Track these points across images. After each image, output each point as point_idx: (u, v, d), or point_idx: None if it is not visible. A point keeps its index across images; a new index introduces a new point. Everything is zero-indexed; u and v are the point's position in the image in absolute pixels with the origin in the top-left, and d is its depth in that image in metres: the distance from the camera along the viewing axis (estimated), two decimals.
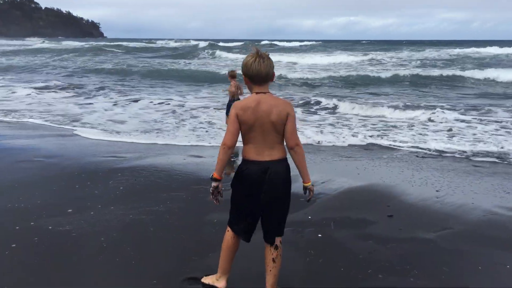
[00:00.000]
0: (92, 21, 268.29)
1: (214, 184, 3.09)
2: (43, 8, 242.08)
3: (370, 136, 9.59)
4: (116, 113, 12.46)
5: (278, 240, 3.18)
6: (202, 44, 59.90)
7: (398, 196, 5.47)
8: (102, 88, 18.75)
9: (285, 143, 3.04)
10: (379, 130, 10.41)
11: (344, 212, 4.95)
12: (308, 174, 3.16)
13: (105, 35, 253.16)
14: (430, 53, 42.23)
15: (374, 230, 4.45)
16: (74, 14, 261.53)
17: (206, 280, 3.39)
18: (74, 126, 10.27)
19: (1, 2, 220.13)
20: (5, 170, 6.22)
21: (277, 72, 19.25)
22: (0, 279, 3.38)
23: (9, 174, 5.99)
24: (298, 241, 4.19)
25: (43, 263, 3.62)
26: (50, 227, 4.28)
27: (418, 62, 32.76)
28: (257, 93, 2.99)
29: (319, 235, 4.31)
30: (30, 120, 11.08)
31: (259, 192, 3.00)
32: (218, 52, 43.27)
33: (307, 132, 9.94)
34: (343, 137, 9.48)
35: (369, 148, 8.59)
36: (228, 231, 3.26)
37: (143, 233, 4.24)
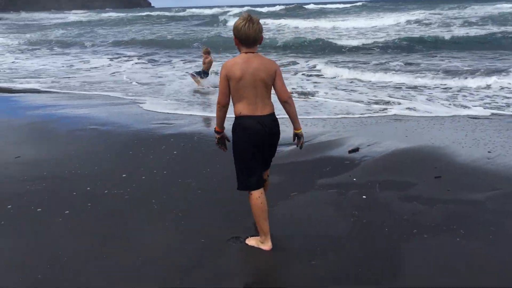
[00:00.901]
0: None
1: (217, 136, 3.53)
2: None
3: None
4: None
5: (265, 174, 3.64)
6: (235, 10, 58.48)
7: (446, 158, 5.37)
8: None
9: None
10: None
11: (390, 174, 4.92)
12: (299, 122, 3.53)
13: (152, 4, 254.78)
14: (478, 9, 38.12)
15: (420, 192, 4.42)
16: None
17: (251, 242, 3.55)
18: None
19: None
20: (63, 138, 6.57)
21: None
22: (55, 243, 3.62)
23: (66, 142, 6.33)
24: (342, 202, 4.24)
25: (98, 227, 3.85)
26: (105, 191, 4.53)
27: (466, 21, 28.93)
28: (246, 52, 3.25)
29: (364, 197, 4.33)
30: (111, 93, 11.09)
31: (259, 143, 3.31)
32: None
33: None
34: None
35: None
36: (250, 194, 3.41)
37: (191, 195, 4.42)
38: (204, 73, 11.47)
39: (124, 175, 4.91)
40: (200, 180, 4.80)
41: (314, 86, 11.28)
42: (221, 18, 42.40)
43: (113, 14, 68.14)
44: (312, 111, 8.39)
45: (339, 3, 75.40)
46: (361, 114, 7.97)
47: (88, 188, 4.59)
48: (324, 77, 12.69)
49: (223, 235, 3.69)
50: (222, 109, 3.33)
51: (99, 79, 13.44)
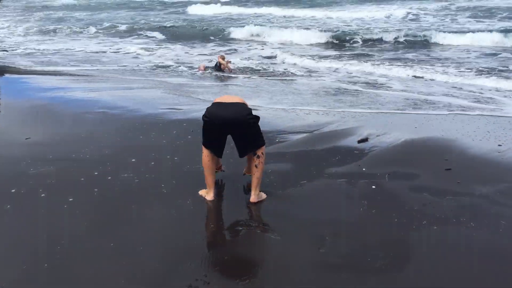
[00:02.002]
0: None
1: None
2: None
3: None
4: None
5: (260, 151, 3.95)
6: None
7: (457, 150, 5.34)
8: None
9: None
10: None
11: (400, 164, 4.90)
12: None
13: None
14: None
15: (430, 183, 4.40)
16: None
17: (200, 192, 4.12)
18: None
19: None
20: (72, 121, 6.57)
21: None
22: (58, 228, 3.64)
23: (75, 125, 6.33)
24: (351, 192, 4.24)
25: (103, 212, 3.85)
26: (114, 176, 4.53)
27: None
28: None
29: (373, 187, 4.32)
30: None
31: (220, 127, 3.84)
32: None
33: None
34: None
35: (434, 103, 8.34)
36: (203, 151, 3.99)
37: (201, 181, 4.42)
38: (216, 69, 12.33)
39: (133, 160, 4.91)
40: None
41: None
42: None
43: None
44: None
45: None
46: None
47: (96, 173, 4.57)
48: None
49: (233, 220, 3.71)
50: None
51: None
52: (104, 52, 16.32)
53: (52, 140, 5.61)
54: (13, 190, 4.15)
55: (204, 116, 3.86)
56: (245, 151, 4.00)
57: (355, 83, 10.40)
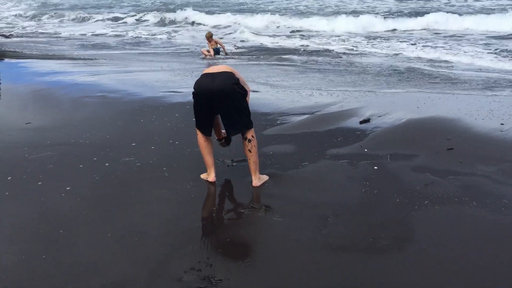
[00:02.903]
0: None
1: None
2: None
3: None
4: None
5: (249, 135, 3.93)
6: None
7: (459, 129, 5.30)
8: None
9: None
10: None
11: (402, 145, 4.88)
12: None
13: None
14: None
15: (432, 163, 4.38)
16: None
17: (202, 176, 4.14)
18: None
19: None
20: (71, 105, 6.55)
21: None
22: (56, 215, 3.64)
23: (75, 109, 6.31)
24: (353, 173, 4.22)
25: (103, 197, 3.85)
26: (111, 161, 4.52)
27: None
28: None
29: (375, 168, 4.31)
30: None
31: (208, 99, 3.75)
32: None
33: None
34: None
35: (435, 81, 8.28)
36: (197, 134, 4.01)
37: (201, 163, 4.40)
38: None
39: (134, 144, 4.89)
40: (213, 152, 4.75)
41: None
42: None
43: None
44: None
45: None
46: None
47: (96, 157, 4.55)
48: None
49: (235, 202, 3.70)
50: None
51: None
52: None
53: (52, 124, 5.59)
54: (11, 177, 4.14)
55: (193, 89, 3.84)
56: (234, 127, 3.90)
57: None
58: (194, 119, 3.99)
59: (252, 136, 3.94)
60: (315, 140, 5.03)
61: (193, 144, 4.81)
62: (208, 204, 3.74)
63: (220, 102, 3.75)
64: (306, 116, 5.86)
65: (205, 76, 3.80)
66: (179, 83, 7.97)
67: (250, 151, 3.92)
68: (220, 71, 3.82)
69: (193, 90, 3.83)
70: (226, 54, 12.61)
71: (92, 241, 3.17)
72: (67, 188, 3.91)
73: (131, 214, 3.52)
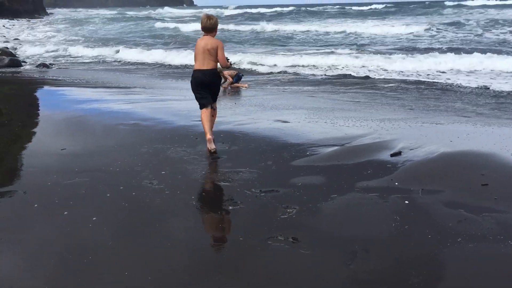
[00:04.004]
0: None
1: None
2: None
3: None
4: None
5: (215, 105, 6.08)
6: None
7: (494, 165, 5.15)
8: None
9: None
10: None
11: (434, 179, 4.77)
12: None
13: (195, 3, 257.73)
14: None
15: (466, 199, 4.26)
16: None
17: (208, 146, 5.63)
18: None
19: None
20: (105, 132, 6.71)
21: None
22: (89, 239, 3.69)
23: (108, 136, 6.46)
24: (383, 207, 4.14)
25: (133, 223, 3.90)
26: (141, 188, 4.58)
27: None
28: (204, 35, 5.83)
29: (406, 202, 4.21)
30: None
31: (202, 85, 5.80)
32: None
33: None
34: None
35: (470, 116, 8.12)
36: (201, 112, 5.82)
37: (230, 195, 4.41)
38: (235, 78, 12.27)
39: (163, 172, 4.95)
40: (241, 180, 4.77)
41: None
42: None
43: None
44: None
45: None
46: None
47: (126, 184, 4.63)
48: None
49: (262, 233, 3.67)
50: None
51: None
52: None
53: (86, 151, 5.72)
54: (41, 202, 4.24)
55: (191, 78, 5.90)
56: (213, 99, 5.97)
57: None
58: (197, 102, 5.86)
59: (216, 107, 6.12)
60: (344, 172, 4.98)
61: (220, 174, 4.86)
62: (234, 234, 3.72)
63: (208, 86, 5.82)
64: (335, 147, 5.82)
65: (198, 71, 5.78)
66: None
67: (213, 116, 6.01)
68: (207, 68, 5.73)
69: (192, 79, 5.86)
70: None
71: (116, 266, 3.19)
72: (95, 216, 3.96)
73: (157, 243, 3.53)
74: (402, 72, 14.79)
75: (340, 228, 3.78)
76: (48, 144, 6.18)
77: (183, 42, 27.96)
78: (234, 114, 8.16)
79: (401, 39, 26.00)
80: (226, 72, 12.36)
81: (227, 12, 68.75)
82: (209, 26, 5.80)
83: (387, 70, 15.35)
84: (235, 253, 3.43)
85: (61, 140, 6.20)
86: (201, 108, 5.80)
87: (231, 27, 36.23)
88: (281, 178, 4.80)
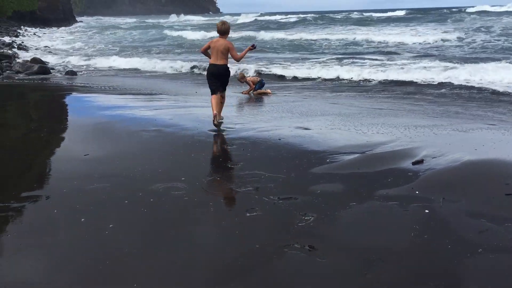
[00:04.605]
0: None
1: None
2: None
3: None
4: None
5: (223, 94, 7.65)
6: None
7: None
8: None
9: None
10: None
11: (456, 188, 4.67)
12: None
13: (221, 10, 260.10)
14: None
15: (488, 209, 4.15)
16: None
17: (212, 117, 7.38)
18: None
19: None
20: (127, 138, 6.80)
21: None
22: (102, 248, 3.74)
23: (131, 142, 6.55)
24: (403, 215, 4.08)
25: (153, 230, 3.94)
26: (160, 194, 4.62)
27: None
28: (219, 37, 7.42)
29: (426, 211, 4.14)
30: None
31: (214, 76, 7.52)
32: None
33: None
34: None
35: (496, 124, 7.94)
36: (211, 97, 7.50)
37: (248, 202, 4.41)
38: (258, 85, 12.36)
39: (183, 178, 4.99)
40: (260, 187, 4.77)
41: None
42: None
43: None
44: None
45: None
46: None
47: (146, 190, 4.68)
48: None
49: (278, 241, 3.66)
50: (202, 51, 7.81)
51: None
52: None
53: (108, 157, 5.82)
54: (69, 206, 4.32)
55: (207, 71, 7.78)
56: (222, 88, 7.63)
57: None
58: (209, 88, 7.63)
59: (224, 95, 7.78)
60: (364, 180, 4.93)
61: (239, 180, 4.87)
62: (252, 241, 3.71)
63: (219, 79, 7.56)
64: (356, 155, 5.77)
65: (213, 66, 7.49)
66: (231, 119, 8.11)
67: (222, 103, 7.67)
68: (220, 63, 7.44)
69: (207, 72, 7.74)
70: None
71: (136, 275, 3.22)
72: (113, 222, 4.02)
73: (176, 249, 3.56)
74: (427, 78, 14.54)
75: (358, 236, 3.74)
76: (72, 149, 6.30)
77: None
78: (256, 121, 8.18)
79: (428, 46, 25.60)
80: (249, 78, 12.53)
81: (247, 19, 69.63)
82: (223, 30, 7.42)
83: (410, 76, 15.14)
84: (251, 261, 3.43)
85: (85, 146, 6.32)
86: (212, 94, 7.49)
87: (253, 34, 36.40)
88: (300, 186, 4.79)
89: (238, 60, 7.57)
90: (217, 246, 3.64)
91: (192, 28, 50.81)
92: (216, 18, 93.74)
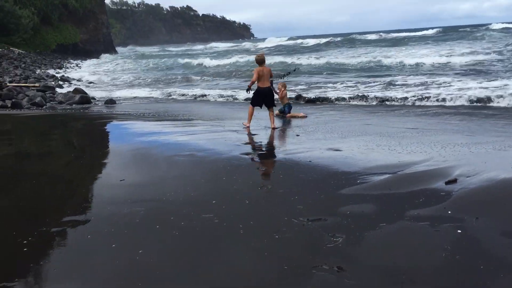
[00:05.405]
0: (244, 24, 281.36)
1: (248, 86, 10.63)
2: (200, 15, 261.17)
3: None
4: None
5: (272, 108, 10.27)
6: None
7: None
8: None
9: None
10: None
11: (491, 208, 4.57)
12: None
13: (255, 36, 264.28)
14: None
15: None
16: (228, 18, 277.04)
17: (245, 124, 10.20)
18: None
19: (165, 12, 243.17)
20: (161, 163, 6.99)
21: None
22: (146, 269, 3.84)
23: (164, 167, 6.73)
24: (434, 235, 4.01)
25: (185, 252, 4.03)
26: (192, 217, 4.72)
27: None
28: (261, 66, 10.03)
29: (459, 231, 4.07)
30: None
31: (265, 97, 10.16)
32: None
33: None
34: None
35: None
36: (250, 106, 10.31)
37: (277, 224, 4.45)
38: (287, 107, 12.68)
39: (214, 201, 5.09)
40: (289, 209, 4.81)
41: None
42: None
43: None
44: None
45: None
46: None
47: (179, 213, 4.79)
48: None
49: (306, 262, 3.68)
50: (254, 82, 10.16)
51: None
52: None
53: (143, 182, 6.00)
54: (105, 230, 4.47)
55: (255, 91, 10.22)
56: (269, 105, 10.15)
57: None
58: (252, 101, 10.30)
59: (273, 109, 10.34)
60: (394, 201, 4.88)
61: (269, 202, 4.93)
62: (281, 262, 3.74)
63: (265, 97, 10.11)
64: (387, 175, 5.73)
65: (261, 88, 10.07)
66: (263, 142, 8.22)
67: (273, 115, 10.23)
68: (267, 86, 10.15)
69: (257, 91, 10.18)
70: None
71: None
72: (147, 245, 4.13)
73: (206, 272, 3.62)
74: (464, 96, 14.23)
75: (387, 257, 3.70)
76: (110, 175, 6.53)
77: (242, 75, 28.56)
78: (287, 143, 8.25)
79: (470, 64, 24.91)
80: (280, 85, 13.21)
81: (270, 44, 71.24)
82: (262, 60, 10.08)
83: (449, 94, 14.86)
84: (280, 282, 3.45)
85: (121, 171, 6.54)
86: (252, 105, 10.23)
87: (288, 59, 36.62)
88: (329, 207, 4.79)
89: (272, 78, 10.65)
90: (246, 268, 3.68)
91: (211, 55, 51.68)
92: (238, 44, 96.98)
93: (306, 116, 12.15)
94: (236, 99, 17.99)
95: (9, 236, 4.36)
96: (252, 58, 37.50)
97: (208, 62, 39.66)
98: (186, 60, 44.70)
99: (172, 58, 51.36)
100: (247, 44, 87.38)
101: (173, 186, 5.67)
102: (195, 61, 42.05)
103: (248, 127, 9.92)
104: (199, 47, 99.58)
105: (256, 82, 10.04)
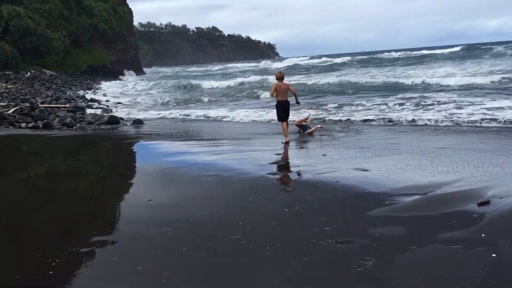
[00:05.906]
0: (269, 43, 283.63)
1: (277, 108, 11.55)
2: (226, 35, 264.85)
3: None
4: None
5: (287, 119, 11.35)
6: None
7: None
8: None
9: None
10: None
11: None
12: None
13: (280, 55, 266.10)
14: None
15: None
16: (253, 38, 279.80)
17: (285, 140, 10.92)
18: None
19: (191, 33, 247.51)
20: (188, 183, 7.03)
21: None
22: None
23: (191, 187, 6.76)
24: (467, 259, 3.90)
25: (211, 273, 4.01)
26: (219, 238, 4.71)
27: None
28: (280, 82, 11.25)
29: (493, 255, 3.93)
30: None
31: (283, 109, 11.27)
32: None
33: None
34: None
35: None
36: (282, 123, 11.26)
37: (306, 246, 4.39)
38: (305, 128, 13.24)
39: (240, 222, 5.07)
40: (317, 231, 4.75)
41: None
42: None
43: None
44: None
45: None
46: None
47: (205, 234, 4.78)
48: None
49: (337, 286, 3.61)
50: (272, 96, 11.66)
51: None
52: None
53: (170, 202, 6.03)
54: (132, 251, 4.49)
55: (276, 105, 11.43)
56: (287, 117, 11.26)
57: None
58: (277, 118, 11.47)
59: (287, 120, 11.36)
60: (425, 223, 4.77)
61: (296, 224, 4.87)
62: (309, 286, 3.68)
63: (284, 109, 11.23)
64: (417, 196, 5.61)
65: (280, 101, 11.17)
66: (290, 162, 8.18)
67: (285, 128, 11.06)
68: (286, 99, 11.24)
69: (277, 106, 11.35)
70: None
71: None
72: (174, 266, 4.13)
73: None
74: (497, 115, 13.91)
75: (418, 281, 3.61)
76: (138, 195, 6.59)
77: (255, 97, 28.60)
78: (315, 163, 8.18)
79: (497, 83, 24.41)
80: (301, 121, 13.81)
81: (289, 63, 72.19)
82: (281, 77, 11.26)
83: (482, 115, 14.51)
84: None
85: (149, 192, 6.59)
86: (280, 121, 11.25)
87: (307, 80, 36.45)
88: (357, 229, 4.71)
89: (295, 93, 11.36)
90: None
91: (215, 77, 51.94)
92: (257, 64, 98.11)
93: (323, 127, 13.06)
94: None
95: (39, 256, 4.42)
96: (258, 78, 38.39)
97: (206, 84, 39.61)
98: (194, 82, 43.07)
99: (183, 79, 51.54)
100: (266, 64, 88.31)
101: (200, 207, 5.68)
102: (198, 82, 41.52)
103: (288, 142, 10.79)
104: (218, 67, 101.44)
105: (275, 96, 11.33)
